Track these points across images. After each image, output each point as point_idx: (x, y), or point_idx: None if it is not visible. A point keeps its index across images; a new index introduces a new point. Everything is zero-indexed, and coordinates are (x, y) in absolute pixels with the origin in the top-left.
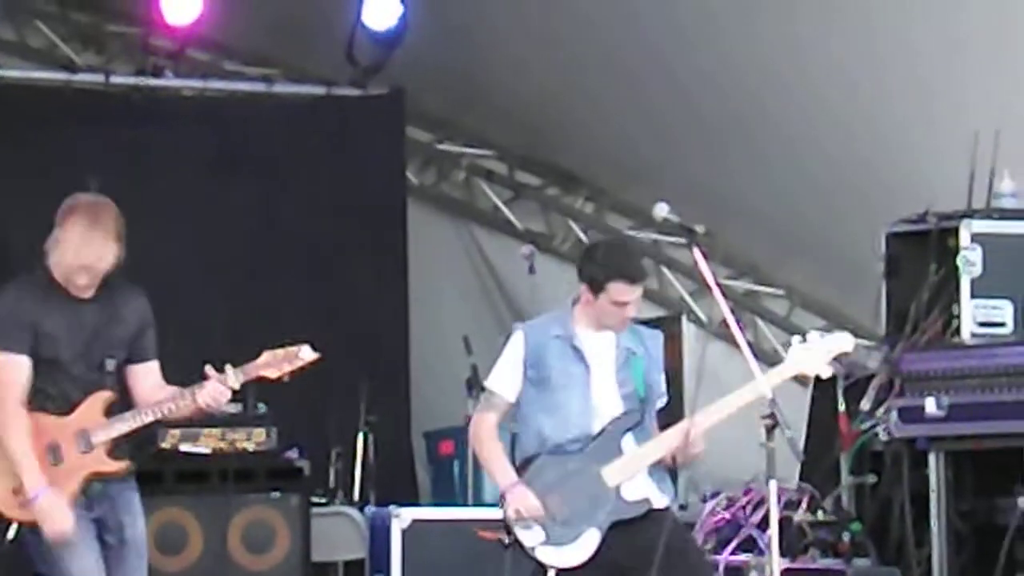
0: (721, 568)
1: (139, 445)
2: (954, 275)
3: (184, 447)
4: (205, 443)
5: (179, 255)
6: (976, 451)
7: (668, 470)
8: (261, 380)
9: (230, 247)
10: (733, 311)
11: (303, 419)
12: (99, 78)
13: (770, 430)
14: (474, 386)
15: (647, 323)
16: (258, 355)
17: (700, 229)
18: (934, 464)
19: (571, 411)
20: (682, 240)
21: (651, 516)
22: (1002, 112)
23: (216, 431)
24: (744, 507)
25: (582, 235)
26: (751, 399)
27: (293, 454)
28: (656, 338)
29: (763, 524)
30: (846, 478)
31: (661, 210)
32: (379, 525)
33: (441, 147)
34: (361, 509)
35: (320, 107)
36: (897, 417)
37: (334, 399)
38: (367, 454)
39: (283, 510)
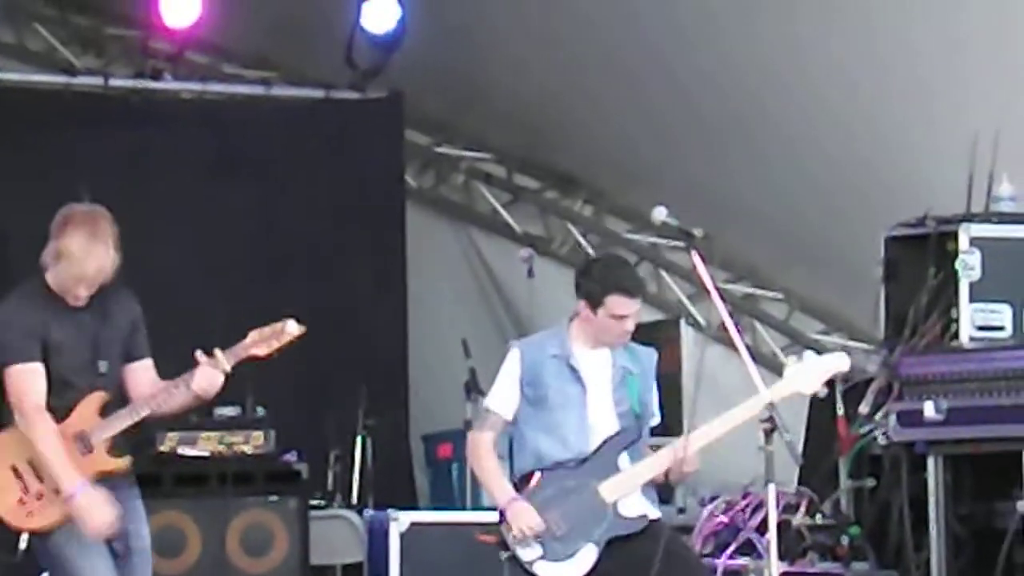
0: (720, 572)
1: (137, 448)
2: (953, 279)
3: (182, 450)
4: (203, 446)
5: (178, 257)
6: (975, 455)
7: (659, 484)
8: (252, 359)
9: (229, 250)
10: (732, 315)
11: (301, 422)
12: (98, 81)
13: (769, 434)
14: (472, 389)
15: (645, 327)
16: (245, 336)
17: (698, 233)
18: (933, 468)
19: (568, 430)
20: (681, 244)
21: (647, 531)
22: (1002, 112)
23: (214, 434)
24: (743, 511)
25: (581, 238)
26: (747, 417)
27: (291, 457)
28: (651, 356)
29: (762, 528)
30: (845, 482)
31: (660, 214)
32: (377, 528)
33: (440, 150)
34: (359, 512)
35: (319, 110)
36: (896, 421)
37: (332, 402)
38: (365, 457)
39: (281, 513)
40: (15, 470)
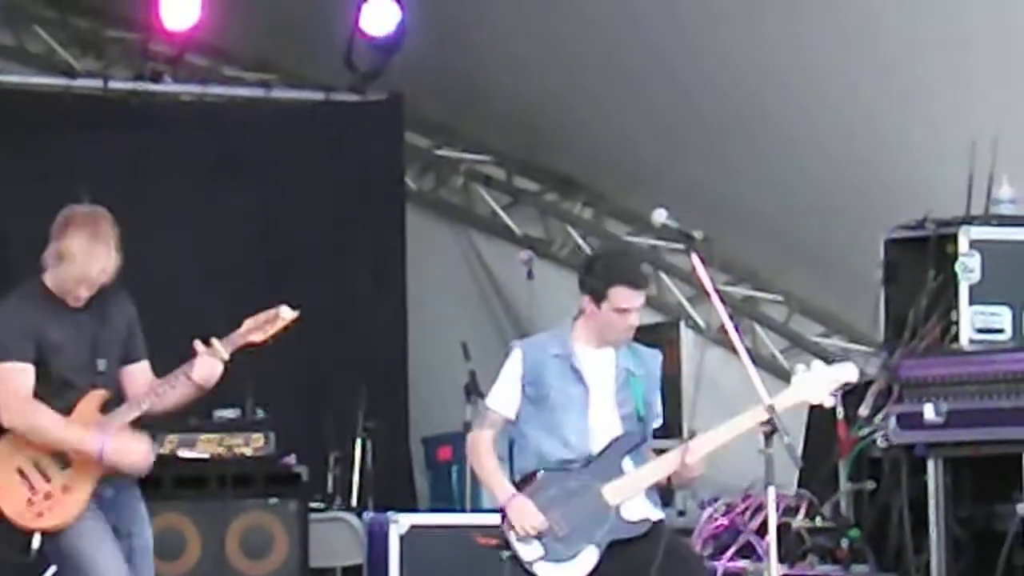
0: (719, 575)
1: None
2: (953, 281)
3: (182, 452)
4: (203, 448)
5: (178, 259)
6: (974, 457)
7: (661, 487)
8: (249, 346)
9: (229, 252)
10: (731, 317)
11: (301, 424)
12: (98, 83)
13: (768, 436)
14: (472, 392)
15: (645, 329)
16: (239, 325)
17: (698, 235)
18: (933, 470)
19: (569, 431)
20: (680, 246)
21: (649, 534)
22: (1003, 114)
23: (214, 436)
24: (743, 513)
25: (580, 241)
26: (751, 425)
27: (291, 460)
28: (655, 358)
29: (761, 530)
30: (844, 484)
31: (659, 216)
32: (377, 531)
33: (440, 153)
34: (359, 515)
35: (319, 112)
36: (896, 423)
37: (332, 404)
38: (365, 460)
39: (281, 516)
40: (20, 472)
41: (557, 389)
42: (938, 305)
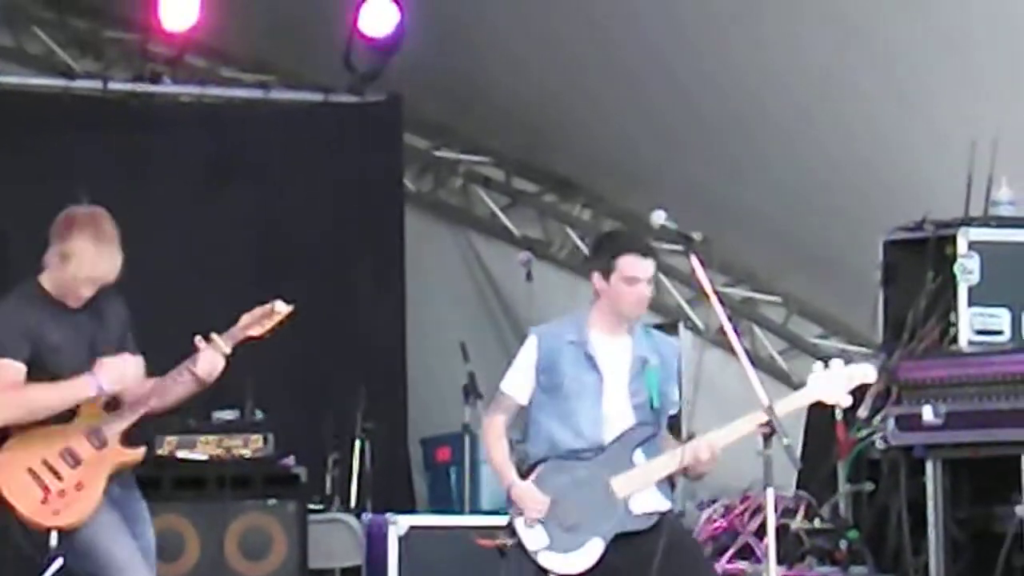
0: None
1: None
2: (951, 283)
3: (181, 454)
4: (202, 450)
5: (176, 260)
6: (973, 459)
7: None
8: (248, 340)
9: (227, 253)
10: (730, 318)
11: (300, 426)
12: (97, 84)
13: (767, 437)
14: (471, 393)
15: None
16: (236, 320)
17: (697, 236)
18: (931, 472)
19: (582, 419)
20: (679, 247)
21: (656, 526)
22: (1003, 113)
23: (213, 438)
24: (741, 514)
25: (579, 242)
26: (753, 428)
27: (290, 461)
28: (672, 345)
29: (760, 532)
30: (843, 486)
31: (658, 217)
32: (376, 532)
33: (438, 154)
34: (358, 516)
35: (317, 113)
36: (894, 425)
37: (331, 405)
38: (364, 461)
39: (280, 517)
40: (32, 472)
41: (571, 377)
42: (937, 307)
